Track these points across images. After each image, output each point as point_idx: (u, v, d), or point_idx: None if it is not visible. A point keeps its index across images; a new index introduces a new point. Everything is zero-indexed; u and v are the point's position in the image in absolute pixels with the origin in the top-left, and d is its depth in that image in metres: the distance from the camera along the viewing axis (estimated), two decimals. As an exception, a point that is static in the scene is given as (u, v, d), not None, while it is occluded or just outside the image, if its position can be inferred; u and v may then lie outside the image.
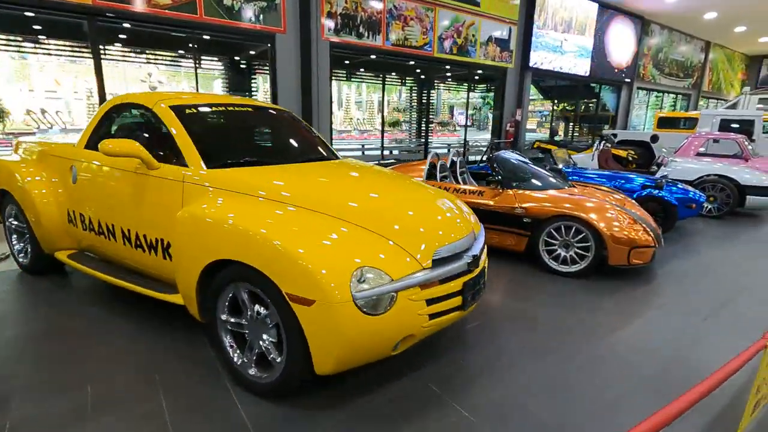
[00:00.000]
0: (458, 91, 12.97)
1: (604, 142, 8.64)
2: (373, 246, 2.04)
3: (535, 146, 10.74)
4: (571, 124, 15.51)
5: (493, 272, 4.01)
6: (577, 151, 9.75)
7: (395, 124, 13.80)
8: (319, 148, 3.33)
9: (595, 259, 3.79)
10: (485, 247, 2.76)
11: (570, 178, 6.21)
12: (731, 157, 8.02)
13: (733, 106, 14.96)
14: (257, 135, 3.16)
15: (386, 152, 10.17)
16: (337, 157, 3.36)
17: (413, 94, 12.39)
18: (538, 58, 10.91)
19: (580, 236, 3.83)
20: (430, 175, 4.96)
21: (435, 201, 2.59)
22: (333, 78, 8.29)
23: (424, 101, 14.20)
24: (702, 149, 9.11)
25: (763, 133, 9.72)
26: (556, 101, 15.74)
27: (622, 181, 5.88)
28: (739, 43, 17.91)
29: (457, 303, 2.26)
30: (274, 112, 3.39)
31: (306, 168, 2.78)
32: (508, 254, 4.42)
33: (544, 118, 16.97)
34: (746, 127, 9.32)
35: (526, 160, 5.02)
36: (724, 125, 9.71)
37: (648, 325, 3.03)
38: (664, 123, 12.93)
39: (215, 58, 6.76)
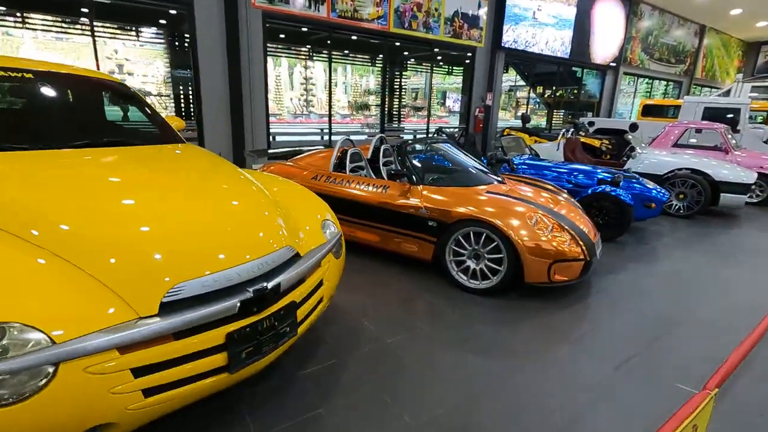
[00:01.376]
0: (436, 74, 12.10)
1: (572, 130, 7.85)
2: (53, 288, 1.30)
3: (504, 134, 9.95)
4: (554, 111, 14.67)
5: (388, 288, 3.28)
6: (548, 140, 9.00)
7: (364, 107, 12.94)
8: (140, 131, 2.56)
9: (509, 274, 3.06)
10: (320, 270, 2.03)
11: (520, 170, 5.46)
12: (712, 149, 7.27)
13: (726, 95, 14.13)
14: (38, 109, 2.38)
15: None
16: (177, 141, 2.62)
17: (382, 76, 11.53)
18: (513, 35, 10.02)
19: (492, 245, 3.09)
20: (340, 166, 4.20)
21: (225, 207, 1.84)
22: (270, 54, 7.45)
23: (395, 84, 13.27)
24: (687, 140, 8.39)
25: (750, 123, 8.94)
26: (539, 87, 14.86)
27: (580, 176, 5.13)
28: (735, 27, 16.96)
29: (220, 363, 1.53)
30: (85, 81, 2.61)
31: (60, 157, 2.00)
32: (419, 264, 3.68)
33: (537, 106, 16.10)
34: (732, 117, 8.53)
35: (455, 151, 4.25)
36: (709, 114, 8.91)
37: (539, 378, 2.30)
38: (650, 111, 12.13)
39: (115, 26, 5.89)
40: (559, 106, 14.78)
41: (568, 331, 2.75)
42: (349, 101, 13.17)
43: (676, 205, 5.96)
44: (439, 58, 9.72)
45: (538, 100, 14.88)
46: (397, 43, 8.91)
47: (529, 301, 3.12)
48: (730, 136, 7.39)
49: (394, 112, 13.61)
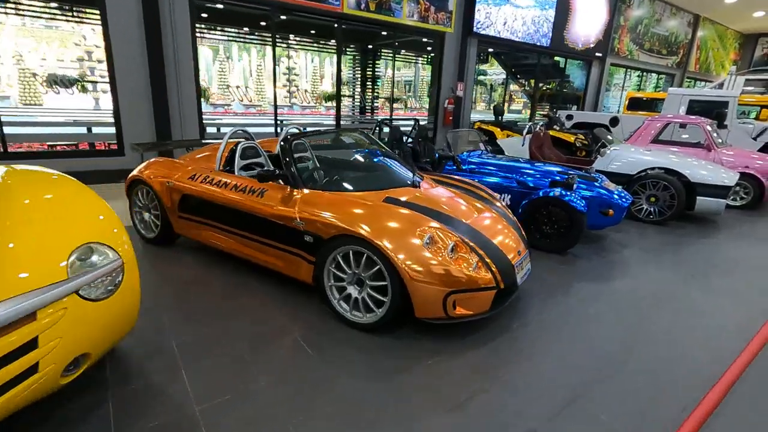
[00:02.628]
0: (401, 62, 11.32)
1: (540, 124, 7.13)
2: None
3: (475, 127, 9.22)
4: (538, 104, 13.94)
5: (246, 316, 2.57)
6: (520, 134, 8.28)
7: (329, 99, 12.15)
8: None
9: (395, 305, 2.36)
10: (31, 324, 1.34)
11: (466, 168, 4.76)
12: (694, 146, 6.57)
13: (720, 88, 13.39)
14: None
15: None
16: None
17: (337, 64, 10.84)
18: (487, 20, 9.25)
19: (375, 269, 2.39)
20: (230, 163, 3.48)
21: None
22: (206, 38, 6.71)
23: (368, 74, 12.51)
24: (670, 136, 7.68)
25: (740, 118, 8.22)
26: (524, 79, 14.10)
27: (530, 176, 4.44)
28: (731, 18, 16.18)
29: None
30: None
31: None
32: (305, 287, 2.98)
33: (522, 98, 15.36)
34: (719, 110, 7.81)
35: (372, 147, 3.55)
36: (695, 108, 8.19)
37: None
38: (636, 104, 11.40)
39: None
40: (543, 98, 14.06)
41: (458, 389, 2.06)
42: (306, 91, 12.35)
43: (646, 209, 5.26)
44: (397, 44, 8.93)
45: (523, 92, 14.15)
46: (356, 27, 8.15)
47: (423, 340, 2.43)
48: (715, 133, 6.68)
49: (368, 104, 12.85)
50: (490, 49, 12.17)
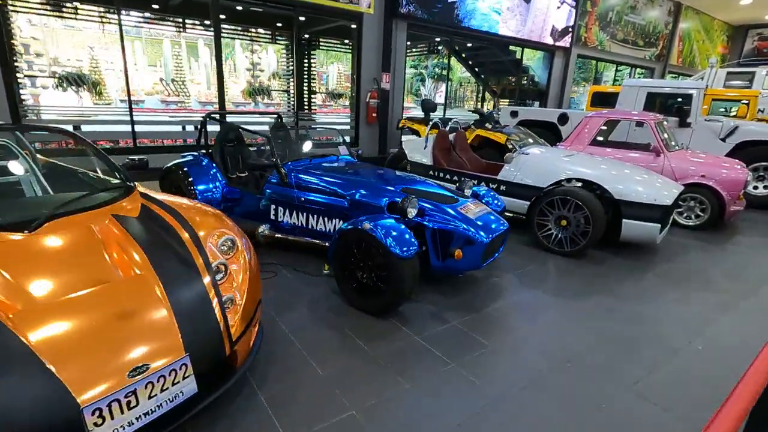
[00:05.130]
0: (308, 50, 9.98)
1: (449, 123, 5.80)
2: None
3: (400, 125, 7.88)
4: (498, 99, 12.58)
5: None
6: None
7: (259, 93, 10.77)
8: None
9: None
10: None
11: (291, 180, 3.42)
12: (643, 149, 5.23)
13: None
14: None
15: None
16: None
17: (290, 57, 9.52)
18: None
19: None
20: None
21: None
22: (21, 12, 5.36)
23: (304, 65, 11.17)
24: (626, 136, 6.34)
25: (718, 115, 6.89)
26: (481, 74, 12.76)
27: (344, 198, 3.11)
28: (716, 6, 14.79)
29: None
30: None
31: None
32: None
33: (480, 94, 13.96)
34: (679, 106, 6.46)
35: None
36: (653, 102, 6.83)
37: None
38: (600, 100, 10.01)
39: None
40: (505, 94, 12.70)
41: None
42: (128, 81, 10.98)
43: (554, 235, 3.91)
44: (323, 30, 7.56)
45: (479, 86, 12.79)
46: (239, 8, 6.80)
47: None
48: (666, 134, 5.34)
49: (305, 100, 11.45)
50: (437, 39, 10.82)
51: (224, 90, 6.52)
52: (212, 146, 4.09)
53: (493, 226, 2.85)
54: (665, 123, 5.60)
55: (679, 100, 6.53)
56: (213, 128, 4.54)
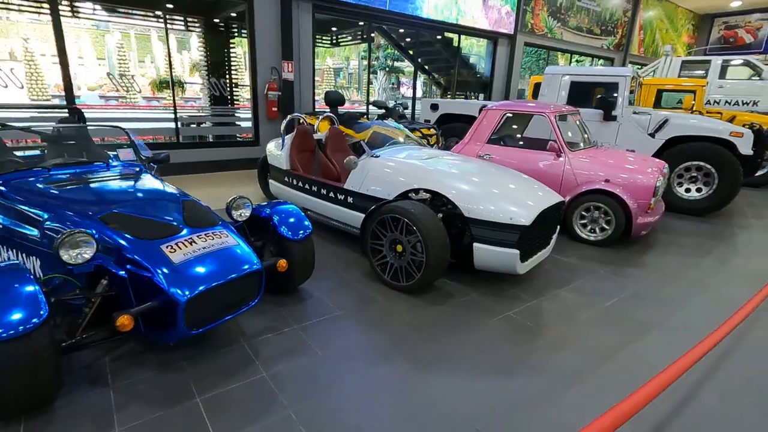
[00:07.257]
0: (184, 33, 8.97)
1: (302, 118, 4.89)
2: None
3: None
4: (447, 92, 11.69)
5: None
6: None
7: (164, 86, 9.70)
8: None
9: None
10: None
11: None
12: (545, 150, 4.37)
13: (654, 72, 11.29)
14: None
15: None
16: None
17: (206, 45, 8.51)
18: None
19: None
20: None
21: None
22: None
23: (224, 55, 10.08)
24: (539, 132, 5.47)
25: (635, 108, 6.08)
26: (423, 64, 11.81)
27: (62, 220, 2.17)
28: (679, -7, 14.07)
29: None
30: None
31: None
32: None
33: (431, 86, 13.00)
34: (603, 96, 5.61)
35: None
36: (579, 91, 5.98)
37: None
38: (543, 92, 9.14)
39: None
40: (452, 86, 11.80)
41: None
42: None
43: (390, 264, 3.01)
44: (171, 6, 6.54)
45: (422, 77, 11.87)
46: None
47: None
48: (583, 129, 4.49)
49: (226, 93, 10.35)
50: (361, 23, 9.84)
51: (71, 79, 5.48)
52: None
53: (219, 270, 1.94)
54: (578, 116, 4.76)
55: (604, 90, 5.69)
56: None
